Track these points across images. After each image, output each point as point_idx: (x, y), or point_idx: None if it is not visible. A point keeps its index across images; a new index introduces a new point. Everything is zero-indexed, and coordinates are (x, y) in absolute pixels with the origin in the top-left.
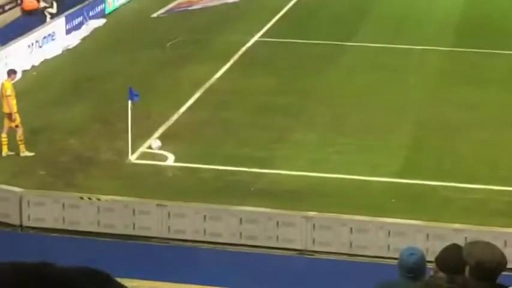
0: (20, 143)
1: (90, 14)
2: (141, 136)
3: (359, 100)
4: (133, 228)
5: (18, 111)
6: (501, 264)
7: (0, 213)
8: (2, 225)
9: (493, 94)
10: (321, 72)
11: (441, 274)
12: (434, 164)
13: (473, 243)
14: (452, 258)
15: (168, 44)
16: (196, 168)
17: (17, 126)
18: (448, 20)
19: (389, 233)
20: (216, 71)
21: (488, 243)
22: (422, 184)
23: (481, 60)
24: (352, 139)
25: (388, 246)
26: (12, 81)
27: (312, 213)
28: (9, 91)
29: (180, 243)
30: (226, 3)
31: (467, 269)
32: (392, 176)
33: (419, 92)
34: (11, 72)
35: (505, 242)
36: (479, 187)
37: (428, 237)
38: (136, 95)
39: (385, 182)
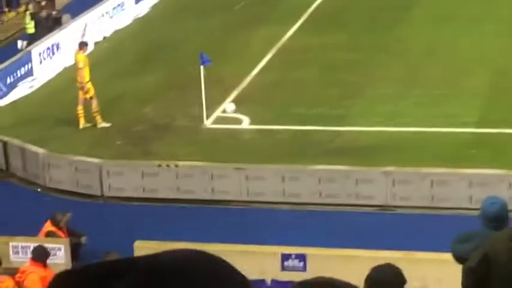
0: (95, 114)
1: None
2: (215, 101)
3: (432, 51)
4: (212, 192)
5: (92, 83)
6: None
7: (81, 184)
8: (84, 196)
9: None
10: (393, 25)
11: None
12: None
13: None
14: None
15: (237, 7)
16: (272, 129)
17: (91, 97)
18: None
19: (470, 183)
20: (287, 31)
21: None
22: (502, 133)
23: None
24: (428, 91)
25: (470, 198)
26: (84, 53)
27: (390, 168)
28: (82, 63)
29: (260, 205)
30: None
31: None
32: (471, 125)
33: (494, 40)
34: (83, 45)
35: None
36: None
37: (511, 185)
38: (208, 60)
39: (463, 132)
